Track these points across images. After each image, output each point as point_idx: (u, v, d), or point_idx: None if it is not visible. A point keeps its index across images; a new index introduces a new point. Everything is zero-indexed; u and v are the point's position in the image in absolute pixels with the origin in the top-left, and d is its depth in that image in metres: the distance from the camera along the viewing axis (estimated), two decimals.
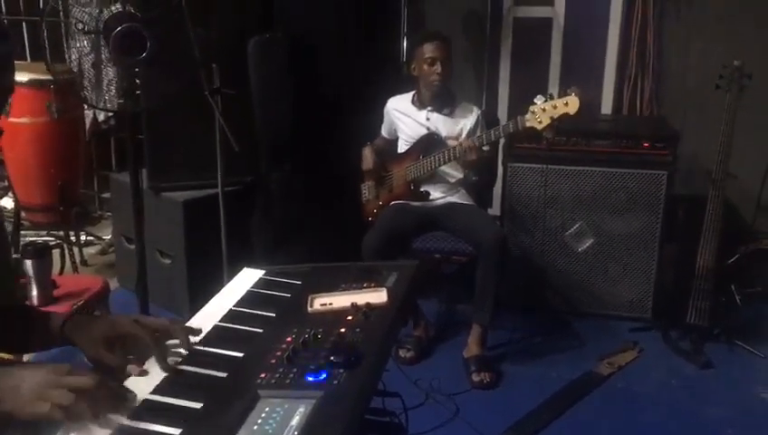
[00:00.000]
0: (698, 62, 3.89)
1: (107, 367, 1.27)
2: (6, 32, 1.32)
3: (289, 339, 1.26)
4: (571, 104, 2.83)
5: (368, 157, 3.35)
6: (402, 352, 3.13)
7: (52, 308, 2.37)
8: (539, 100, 2.88)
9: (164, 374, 1.22)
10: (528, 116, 2.89)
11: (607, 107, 4.19)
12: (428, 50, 3.15)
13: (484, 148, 3.13)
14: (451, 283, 3.81)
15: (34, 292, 2.50)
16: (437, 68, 3.13)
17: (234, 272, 1.70)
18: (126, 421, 1.07)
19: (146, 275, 3.14)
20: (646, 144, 3.38)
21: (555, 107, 2.85)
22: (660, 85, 4.06)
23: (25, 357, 1.77)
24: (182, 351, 1.30)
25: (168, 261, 3.48)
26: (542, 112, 2.86)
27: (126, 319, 1.34)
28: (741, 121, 3.10)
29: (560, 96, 2.86)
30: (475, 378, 2.99)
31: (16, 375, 1.11)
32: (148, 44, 2.48)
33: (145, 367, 1.24)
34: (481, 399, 2.90)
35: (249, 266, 1.72)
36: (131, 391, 1.15)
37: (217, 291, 1.59)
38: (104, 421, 1.07)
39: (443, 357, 3.22)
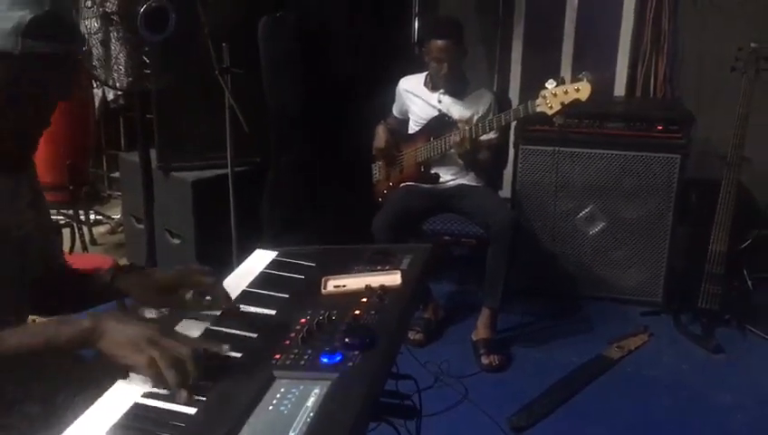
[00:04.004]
0: (714, 45, 3.83)
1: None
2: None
3: (303, 320, 1.26)
4: (582, 90, 2.79)
5: (380, 135, 3.33)
6: (411, 334, 3.12)
7: None
8: (550, 84, 2.83)
9: None
10: (539, 101, 2.85)
11: (620, 89, 4.15)
12: (436, 48, 3.10)
13: (492, 135, 3.10)
14: (461, 265, 3.80)
15: None
16: (444, 69, 3.10)
17: (242, 253, 1.69)
18: (140, 399, 1.06)
19: (155, 254, 3.14)
20: (659, 127, 3.34)
21: (566, 92, 2.81)
22: (675, 67, 4.01)
23: None
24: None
25: (177, 241, 3.48)
26: (552, 97, 2.82)
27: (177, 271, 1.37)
28: (756, 105, 3.05)
29: (572, 81, 2.81)
30: (485, 360, 2.98)
31: (123, 320, 1.14)
32: (170, 21, 2.46)
33: None
34: (490, 381, 2.89)
35: (260, 247, 1.71)
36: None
37: (226, 271, 1.58)
38: (181, 396, 1.05)
39: (452, 339, 3.21)
